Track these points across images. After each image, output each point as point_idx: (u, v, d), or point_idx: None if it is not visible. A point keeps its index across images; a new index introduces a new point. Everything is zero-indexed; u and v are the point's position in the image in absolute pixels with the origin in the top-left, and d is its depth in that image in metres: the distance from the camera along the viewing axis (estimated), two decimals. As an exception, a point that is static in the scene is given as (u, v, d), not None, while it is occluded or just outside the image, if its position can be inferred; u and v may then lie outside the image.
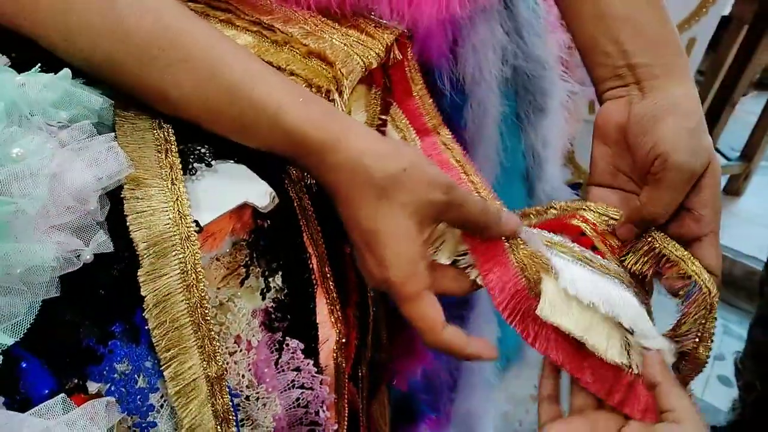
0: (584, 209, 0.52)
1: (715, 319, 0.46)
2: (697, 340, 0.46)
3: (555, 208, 0.53)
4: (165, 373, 0.39)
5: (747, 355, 1.23)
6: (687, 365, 0.47)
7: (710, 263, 0.48)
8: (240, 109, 0.42)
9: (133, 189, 0.39)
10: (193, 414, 0.41)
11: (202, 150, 0.43)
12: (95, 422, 0.34)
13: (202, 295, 0.39)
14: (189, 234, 0.39)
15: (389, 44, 0.54)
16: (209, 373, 0.40)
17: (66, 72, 0.38)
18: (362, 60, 0.51)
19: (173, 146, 0.42)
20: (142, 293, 0.37)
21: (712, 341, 0.46)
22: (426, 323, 0.45)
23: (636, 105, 0.50)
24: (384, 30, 0.54)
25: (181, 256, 0.38)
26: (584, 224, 0.52)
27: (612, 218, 0.52)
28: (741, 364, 1.26)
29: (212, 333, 0.40)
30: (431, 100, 0.55)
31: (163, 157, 0.41)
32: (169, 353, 0.39)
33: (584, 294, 0.44)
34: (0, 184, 0.31)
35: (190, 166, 0.42)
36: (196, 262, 0.39)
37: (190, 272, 0.38)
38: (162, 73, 0.40)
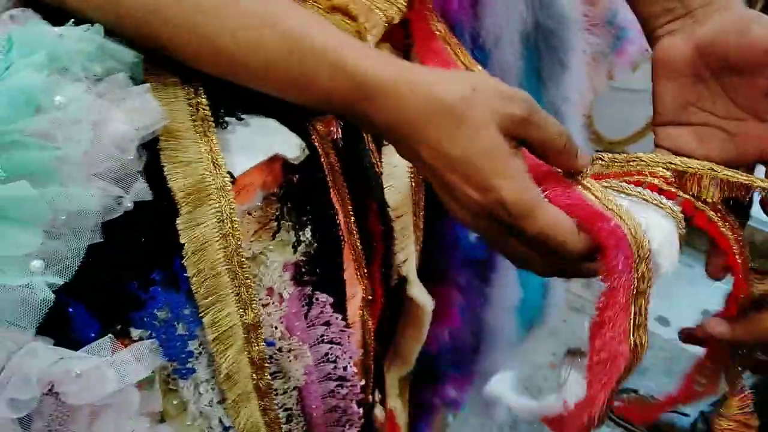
0: (641, 163, 0.47)
1: None
2: None
3: (602, 160, 0.48)
4: (204, 320, 0.40)
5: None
6: None
7: None
8: (300, 56, 0.41)
9: (168, 140, 0.39)
10: (230, 361, 0.42)
11: (232, 104, 0.44)
12: (141, 363, 0.35)
13: (238, 243, 0.40)
14: (224, 184, 0.39)
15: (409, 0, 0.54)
16: (246, 321, 0.42)
17: (99, 26, 0.39)
18: (384, 14, 0.51)
19: (203, 100, 0.42)
20: (181, 241, 0.38)
21: None
22: (561, 231, 0.41)
23: (701, 28, 0.48)
24: (406, -15, 0.55)
25: (217, 205, 0.39)
26: (654, 179, 0.47)
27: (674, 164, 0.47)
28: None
29: (248, 281, 0.41)
30: (457, 41, 0.54)
31: (195, 110, 0.42)
32: (208, 300, 0.40)
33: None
34: (44, 130, 0.32)
35: (221, 120, 0.43)
36: (232, 211, 0.39)
37: (226, 221, 0.39)
38: (220, 26, 0.40)
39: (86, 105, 0.34)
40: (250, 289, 0.41)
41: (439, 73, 0.44)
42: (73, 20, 0.39)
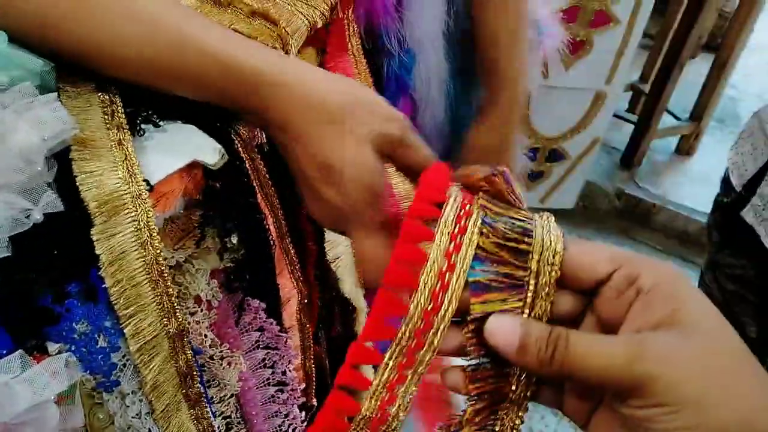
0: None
1: None
2: None
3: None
4: (125, 331, 0.39)
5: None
6: None
7: None
8: (190, 57, 0.41)
9: (80, 150, 0.39)
10: (156, 371, 0.41)
11: (150, 111, 0.44)
12: (56, 378, 0.34)
13: (157, 252, 0.39)
14: (140, 192, 0.39)
15: (333, 3, 0.54)
16: (170, 330, 0.41)
17: (2, 34, 0.38)
18: (307, 19, 0.51)
19: (119, 107, 0.42)
20: (97, 252, 0.37)
21: None
22: (376, 261, 0.41)
23: None
24: (328, -11, 0.55)
25: (133, 214, 0.38)
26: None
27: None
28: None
29: (170, 289, 0.40)
30: (365, 61, 0.55)
31: (110, 118, 0.41)
32: (128, 311, 0.39)
33: None
34: (-60, 144, 0.31)
35: (138, 127, 0.42)
36: (149, 219, 0.39)
37: (143, 230, 0.39)
38: (109, 29, 0.40)
39: (-12, 116, 0.33)
40: (173, 298, 0.41)
41: (330, 77, 0.45)
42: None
